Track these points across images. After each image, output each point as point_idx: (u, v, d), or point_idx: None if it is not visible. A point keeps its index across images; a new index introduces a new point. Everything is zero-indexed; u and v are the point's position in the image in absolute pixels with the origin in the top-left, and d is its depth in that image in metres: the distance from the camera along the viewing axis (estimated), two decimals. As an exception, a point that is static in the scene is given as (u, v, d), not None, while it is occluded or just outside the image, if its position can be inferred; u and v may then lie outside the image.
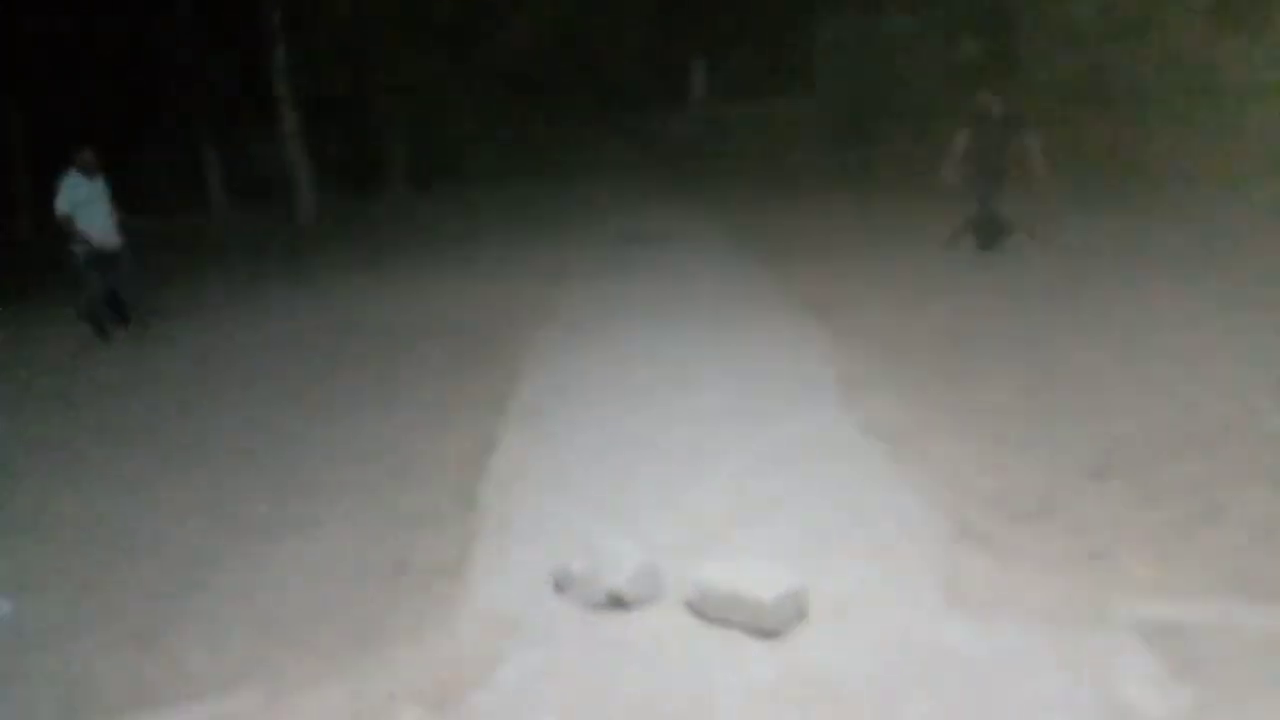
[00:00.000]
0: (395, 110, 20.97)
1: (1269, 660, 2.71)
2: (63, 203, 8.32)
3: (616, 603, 3.20)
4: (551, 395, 5.76)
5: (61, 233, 8.39)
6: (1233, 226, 9.14)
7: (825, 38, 25.52)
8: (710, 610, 3.09)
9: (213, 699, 3.01)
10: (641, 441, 4.81)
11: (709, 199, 15.52)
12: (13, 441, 5.95)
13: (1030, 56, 24.72)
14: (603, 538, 3.50)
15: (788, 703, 2.66)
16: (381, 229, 15.82)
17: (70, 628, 3.55)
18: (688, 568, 3.26)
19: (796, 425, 4.82)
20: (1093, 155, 15.68)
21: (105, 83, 17.76)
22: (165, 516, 4.53)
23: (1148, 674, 2.65)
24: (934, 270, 8.47)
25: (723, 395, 5.43)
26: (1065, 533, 3.57)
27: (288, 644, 3.29)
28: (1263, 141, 13.19)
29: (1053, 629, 2.89)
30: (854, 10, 24.84)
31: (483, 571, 3.62)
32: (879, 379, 5.53)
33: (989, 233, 8.93)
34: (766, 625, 2.98)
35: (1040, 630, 2.89)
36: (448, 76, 21.15)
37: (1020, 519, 3.71)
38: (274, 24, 17.19)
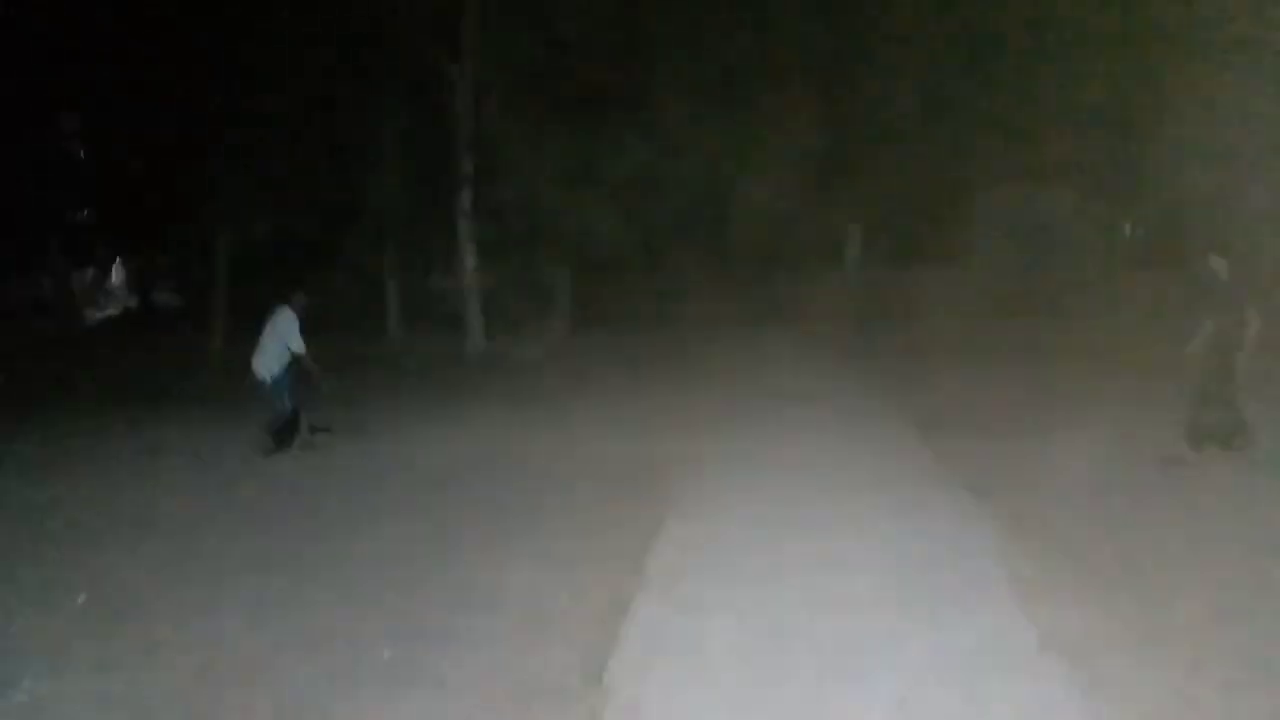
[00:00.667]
0: (564, 257, 21.92)
1: None
2: (298, 343, 9.09)
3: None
4: (693, 557, 5.50)
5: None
6: None
7: (985, 207, 25.38)
8: None
9: None
10: (789, 629, 4.46)
11: (864, 365, 15.20)
12: (168, 562, 6.07)
13: (1197, 238, 23.81)
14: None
15: None
16: (541, 368, 16.19)
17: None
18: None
19: (962, 629, 4.38)
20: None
21: (300, 209, 19.23)
22: (288, 650, 4.47)
23: None
24: (1112, 459, 7.83)
25: (878, 581, 5.03)
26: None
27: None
28: None
29: None
30: (1014, 182, 24.67)
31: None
32: (1053, 580, 5.00)
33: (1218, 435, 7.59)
34: None
35: None
36: (614, 227, 22.01)
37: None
38: (463, 170, 18.43)
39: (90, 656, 4.45)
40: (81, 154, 25.40)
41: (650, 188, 21.30)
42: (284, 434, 9.34)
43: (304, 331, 9.23)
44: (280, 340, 9.12)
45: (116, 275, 34.28)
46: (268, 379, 9.17)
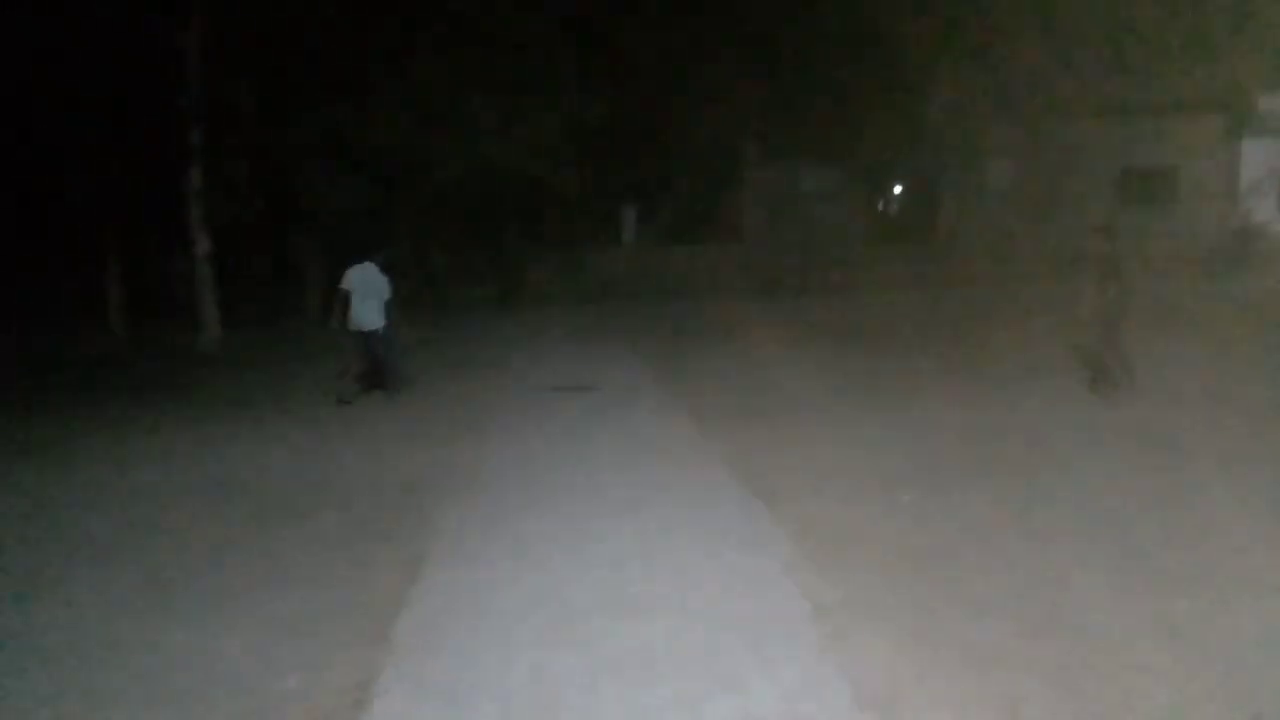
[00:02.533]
0: (313, 237, 20.12)
1: None
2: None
3: None
4: (450, 616, 4.61)
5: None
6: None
7: (752, 190, 25.88)
8: None
9: None
10: (564, 705, 3.69)
11: (641, 349, 14.74)
12: None
13: (946, 219, 25.55)
14: None
15: None
16: (287, 362, 14.61)
17: None
18: None
19: (766, 684, 3.77)
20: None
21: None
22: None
23: None
24: (899, 439, 7.65)
25: (670, 628, 4.35)
26: None
27: None
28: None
29: None
30: (779, 162, 25.29)
31: None
32: (858, 608, 4.51)
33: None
34: None
35: None
36: (371, 204, 20.47)
37: None
38: (191, 144, 16.35)
39: None
40: None
41: (410, 161, 19.91)
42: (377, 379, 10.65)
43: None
44: (379, 295, 10.25)
45: None
46: (379, 329, 10.29)
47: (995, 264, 23.97)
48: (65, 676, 4.12)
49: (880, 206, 28.21)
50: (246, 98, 16.78)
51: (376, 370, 10.72)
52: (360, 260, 10.40)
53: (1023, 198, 25.65)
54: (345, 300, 10.26)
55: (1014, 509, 5.97)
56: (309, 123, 17.11)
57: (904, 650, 4.04)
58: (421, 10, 18.20)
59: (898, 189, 28.02)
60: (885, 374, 11.21)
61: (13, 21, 15.19)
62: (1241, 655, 3.91)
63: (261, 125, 17.22)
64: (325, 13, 16.47)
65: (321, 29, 16.60)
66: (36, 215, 17.62)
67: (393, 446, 8.46)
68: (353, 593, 4.97)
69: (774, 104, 23.55)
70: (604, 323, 18.26)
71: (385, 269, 10.47)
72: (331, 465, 7.86)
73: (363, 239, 21.88)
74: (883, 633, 4.21)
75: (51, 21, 15.57)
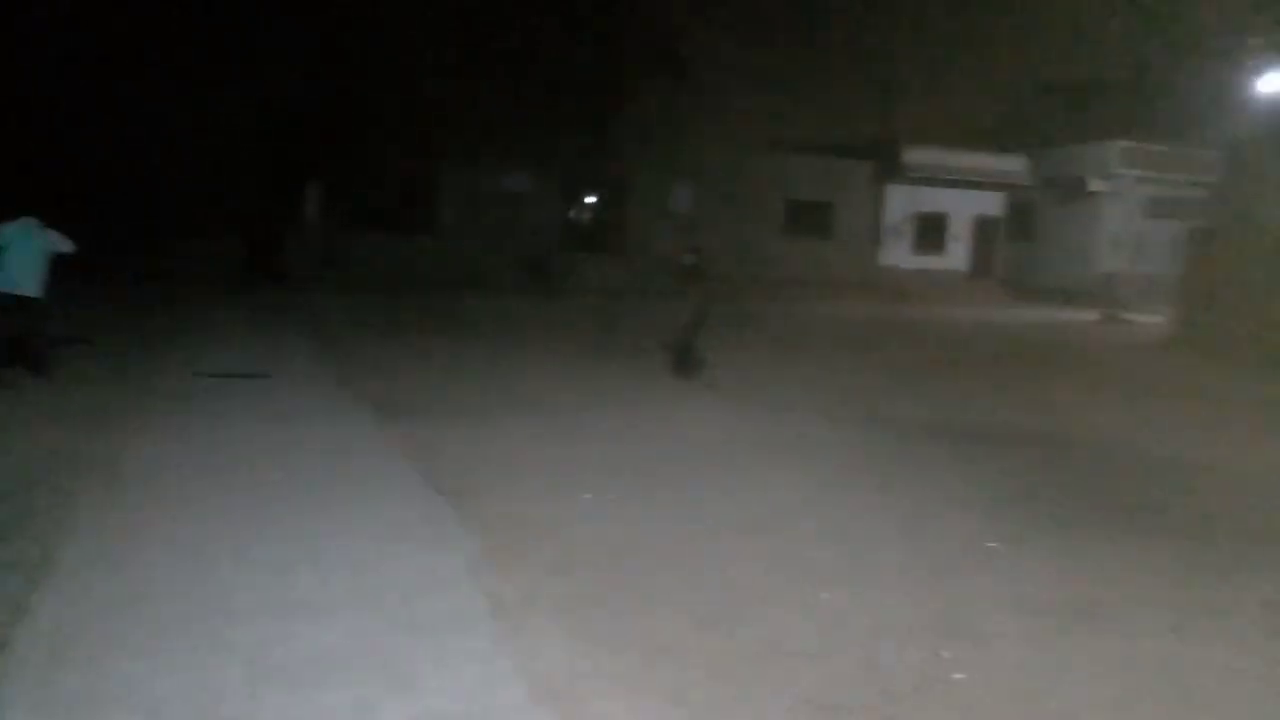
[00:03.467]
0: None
1: None
2: None
3: None
4: (85, 625, 4.08)
5: None
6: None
7: (449, 185, 25.62)
8: None
9: None
10: None
11: (319, 332, 14.01)
12: None
13: (634, 230, 26.91)
14: None
15: None
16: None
17: None
18: None
19: (443, 680, 3.70)
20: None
21: None
22: None
23: None
24: (580, 432, 7.84)
25: (348, 629, 4.15)
26: None
27: None
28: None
29: None
30: (477, 166, 25.31)
31: None
32: (540, 602, 4.56)
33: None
34: None
35: None
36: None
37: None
38: None
39: None
40: None
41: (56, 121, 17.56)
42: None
43: None
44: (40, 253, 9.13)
45: None
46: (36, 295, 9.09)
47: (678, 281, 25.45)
48: None
49: (573, 214, 28.96)
50: None
51: (23, 342, 9.26)
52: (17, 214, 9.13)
53: (702, 219, 27.49)
54: None
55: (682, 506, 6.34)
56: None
57: (578, 644, 4.14)
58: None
59: (590, 199, 28.86)
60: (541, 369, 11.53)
61: None
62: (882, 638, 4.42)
63: None
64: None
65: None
66: None
67: (23, 432, 7.37)
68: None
69: (473, 104, 23.47)
70: (282, 312, 17.13)
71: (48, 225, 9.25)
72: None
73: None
74: (559, 628, 4.29)
75: None
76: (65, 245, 9.34)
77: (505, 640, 4.12)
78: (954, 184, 30.48)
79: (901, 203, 30.91)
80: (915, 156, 29.96)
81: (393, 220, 24.28)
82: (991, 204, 31.35)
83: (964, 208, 31.10)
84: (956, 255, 31.32)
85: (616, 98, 23.39)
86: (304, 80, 20.29)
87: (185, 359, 11.24)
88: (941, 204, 30.86)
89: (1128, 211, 30.29)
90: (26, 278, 9.01)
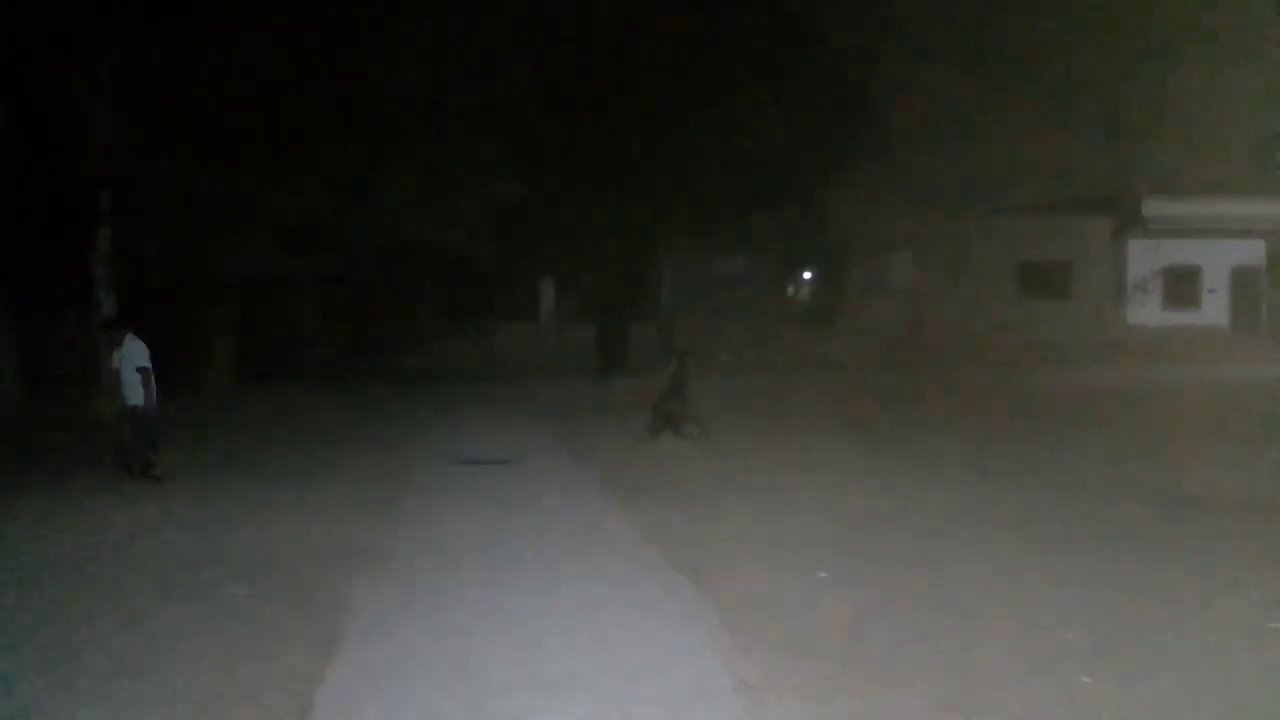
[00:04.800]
0: (224, 304, 19.72)
1: None
2: None
3: None
4: (370, 692, 4.50)
5: None
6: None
7: (668, 270, 26.54)
8: None
9: None
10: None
11: (552, 419, 14.75)
12: None
13: (854, 303, 26.59)
14: None
15: None
16: (197, 431, 14.12)
17: None
18: None
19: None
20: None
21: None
22: None
23: None
24: (801, 511, 7.81)
25: (600, 701, 4.34)
26: None
27: None
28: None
29: None
30: (694, 248, 26.05)
31: None
32: (780, 679, 4.56)
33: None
34: None
35: None
36: (281, 273, 20.22)
37: None
38: (100, 205, 15.97)
39: None
40: None
41: (324, 232, 19.76)
42: None
43: None
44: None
45: None
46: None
47: (904, 350, 24.90)
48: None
49: (791, 292, 29.12)
50: (158, 163, 16.48)
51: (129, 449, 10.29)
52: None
53: (926, 287, 26.81)
54: (115, 376, 10.11)
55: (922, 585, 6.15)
56: (219, 189, 16.88)
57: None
58: (337, 87, 18.19)
59: (806, 275, 28.93)
60: (808, 449, 11.49)
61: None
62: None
63: (171, 190, 16.90)
64: (240, 79, 16.36)
65: (237, 95, 16.49)
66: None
67: (296, 521, 8.25)
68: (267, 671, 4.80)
69: (687, 193, 24.18)
70: (518, 402, 18.18)
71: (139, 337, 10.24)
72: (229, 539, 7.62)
73: (274, 309, 21.59)
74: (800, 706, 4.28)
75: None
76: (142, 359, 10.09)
77: (749, 716, 4.17)
78: (1204, 233, 28.15)
79: (1145, 257, 28.91)
80: (1158, 207, 28.00)
81: (616, 309, 25.32)
82: (1250, 253, 28.62)
83: (1218, 258, 28.60)
84: (1214, 309, 28.73)
85: (826, 172, 23.42)
86: (526, 180, 21.62)
87: (439, 448, 12.20)
88: (1191, 255, 28.56)
89: None
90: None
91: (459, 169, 20.35)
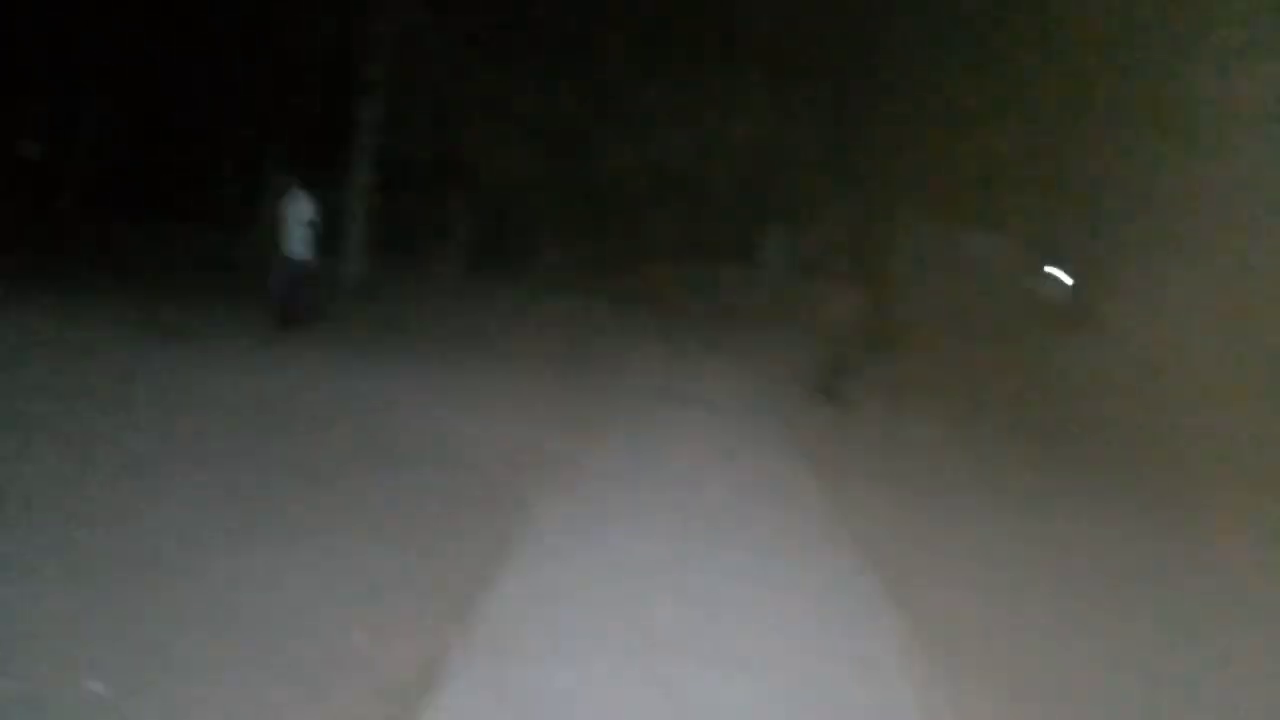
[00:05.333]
0: (472, 189, 20.31)
1: None
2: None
3: None
4: (534, 614, 4.21)
5: None
6: None
7: (917, 237, 24.96)
8: None
9: None
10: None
11: (760, 367, 14.18)
12: None
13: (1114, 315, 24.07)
14: None
15: None
16: (418, 310, 14.66)
17: None
18: None
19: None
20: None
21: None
22: None
23: None
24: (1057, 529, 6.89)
25: (764, 691, 3.85)
26: None
27: None
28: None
29: None
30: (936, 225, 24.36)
31: None
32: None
33: None
34: None
35: None
36: (531, 177, 20.56)
37: None
38: (371, 76, 16.60)
39: None
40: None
41: (578, 142, 19.86)
42: None
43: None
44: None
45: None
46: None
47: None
48: (133, 592, 3.90)
49: (1031, 285, 26.83)
50: (433, 40, 16.89)
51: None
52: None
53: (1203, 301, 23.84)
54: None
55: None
56: (489, 79, 17.17)
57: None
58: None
59: (1053, 269, 26.51)
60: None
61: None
62: None
63: (442, 71, 17.34)
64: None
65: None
66: (208, 134, 18.12)
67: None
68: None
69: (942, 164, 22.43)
70: (735, 343, 17.70)
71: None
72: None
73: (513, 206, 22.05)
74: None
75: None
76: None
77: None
78: None
79: None
80: None
81: (841, 267, 24.20)
82: None
83: None
84: None
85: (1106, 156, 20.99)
86: (780, 121, 20.82)
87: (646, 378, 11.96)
88: None
89: None
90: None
91: (713, 99, 19.84)
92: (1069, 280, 25.90)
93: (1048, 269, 26.46)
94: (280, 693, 3.19)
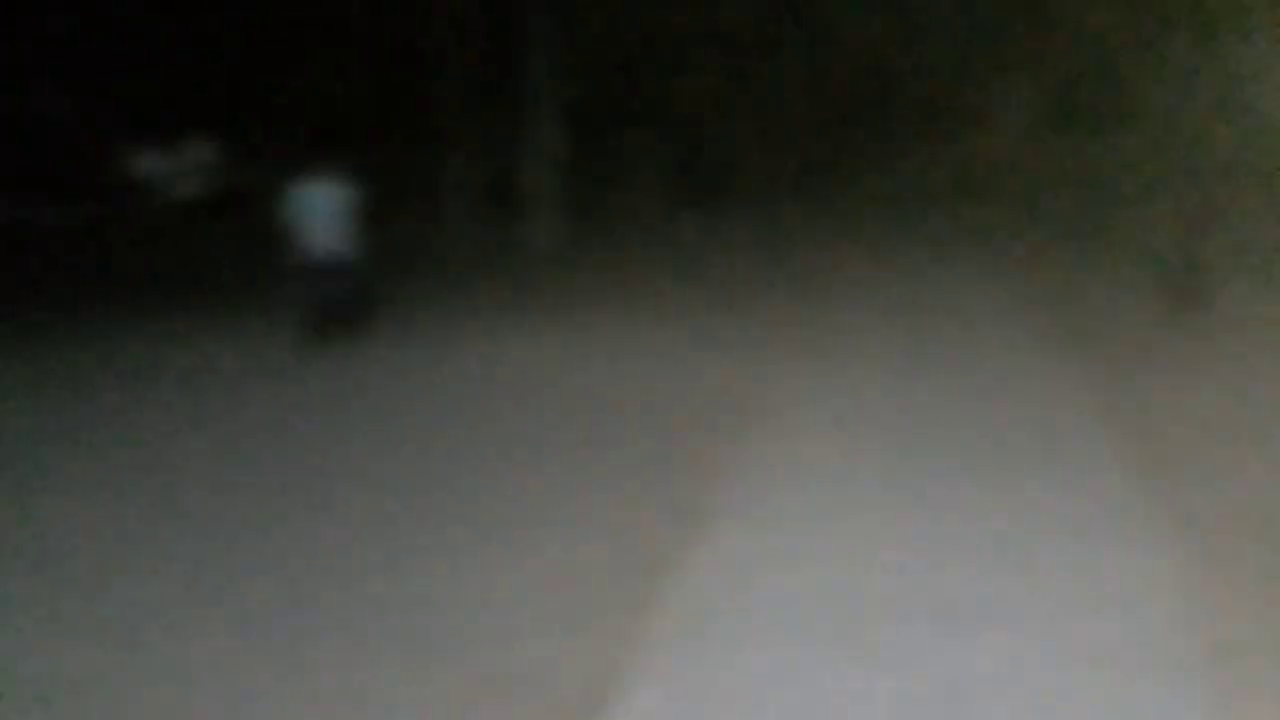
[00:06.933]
0: (662, 125, 19.17)
1: None
2: None
3: None
4: (730, 603, 3.05)
5: None
6: None
7: (1168, 71, 21.01)
8: None
9: None
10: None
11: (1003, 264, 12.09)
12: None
13: None
14: None
15: None
16: (622, 262, 13.71)
17: None
18: None
19: None
20: None
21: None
22: None
23: None
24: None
25: (1004, 653, 2.49)
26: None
27: None
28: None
29: None
30: (1184, 38, 20.22)
31: None
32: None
33: None
34: None
35: None
36: (725, 91, 19.14)
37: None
38: (533, 31, 15.77)
39: None
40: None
41: (768, 47, 18.22)
42: None
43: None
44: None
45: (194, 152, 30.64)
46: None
47: None
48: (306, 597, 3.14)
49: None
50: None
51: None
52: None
53: None
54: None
55: None
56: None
57: None
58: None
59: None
60: None
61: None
62: None
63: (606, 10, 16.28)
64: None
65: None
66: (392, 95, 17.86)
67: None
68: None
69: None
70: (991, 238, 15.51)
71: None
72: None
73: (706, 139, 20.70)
74: None
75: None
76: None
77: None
78: None
79: None
80: None
81: (1099, 116, 20.81)
82: None
83: None
84: None
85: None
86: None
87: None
88: None
89: None
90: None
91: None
92: None
93: None
94: None
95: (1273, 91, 19.72)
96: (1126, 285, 9.60)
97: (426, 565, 3.39)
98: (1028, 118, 20.84)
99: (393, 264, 13.31)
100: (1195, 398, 5.32)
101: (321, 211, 7.94)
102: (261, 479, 4.48)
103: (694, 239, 15.61)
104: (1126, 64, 21.01)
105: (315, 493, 4.27)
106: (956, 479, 4.07)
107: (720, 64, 19.02)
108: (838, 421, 5.07)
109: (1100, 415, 4.98)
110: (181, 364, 7.35)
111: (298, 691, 2.49)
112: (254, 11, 17.87)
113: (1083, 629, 2.67)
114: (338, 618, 2.97)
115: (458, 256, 14.73)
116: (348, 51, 16.65)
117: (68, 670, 2.65)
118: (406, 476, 4.47)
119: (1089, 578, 3.04)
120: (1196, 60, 20.25)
